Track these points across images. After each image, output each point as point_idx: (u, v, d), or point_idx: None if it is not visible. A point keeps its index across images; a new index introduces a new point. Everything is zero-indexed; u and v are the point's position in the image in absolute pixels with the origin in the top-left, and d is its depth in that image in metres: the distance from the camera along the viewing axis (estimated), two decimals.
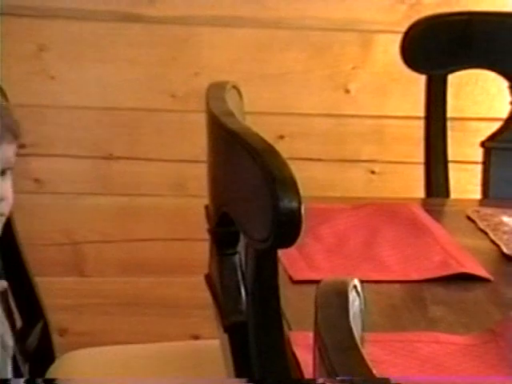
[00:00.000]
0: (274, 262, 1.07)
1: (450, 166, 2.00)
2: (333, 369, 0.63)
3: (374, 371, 0.63)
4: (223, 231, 1.21)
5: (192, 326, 2.24)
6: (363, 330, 0.73)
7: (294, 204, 0.97)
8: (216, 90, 1.32)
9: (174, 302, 2.39)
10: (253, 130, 1.13)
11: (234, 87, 1.36)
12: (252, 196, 1.06)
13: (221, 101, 1.26)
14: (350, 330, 0.63)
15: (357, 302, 0.71)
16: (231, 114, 1.19)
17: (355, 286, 0.71)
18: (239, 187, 1.14)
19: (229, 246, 1.23)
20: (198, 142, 2.18)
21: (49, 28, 2.17)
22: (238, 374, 1.23)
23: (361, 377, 0.61)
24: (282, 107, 2.30)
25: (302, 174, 1.00)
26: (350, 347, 0.63)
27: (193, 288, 2.17)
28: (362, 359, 0.61)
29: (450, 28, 1.94)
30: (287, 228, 0.98)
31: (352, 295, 0.70)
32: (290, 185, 0.99)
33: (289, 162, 1.03)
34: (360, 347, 0.65)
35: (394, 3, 2.18)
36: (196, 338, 2.21)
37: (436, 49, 1.93)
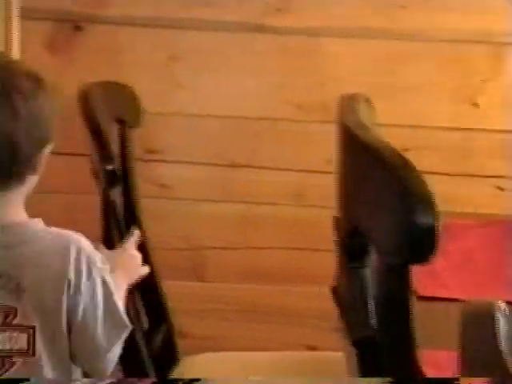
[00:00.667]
0: (406, 277, 1.05)
1: None
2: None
3: None
4: (354, 243, 1.19)
5: (308, 336, 2.24)
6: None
7: (431, 219, 0.94)
8: (349, 102, 1.30)
9: (291, 311, 2.45)
10: (388, 143, 1.11)
11: (367, 100, 1.33)
12: (387, 210, 1.04)
13: (354, 113, 1.24)
14: (500, 352, 0.61)
15: (504, 325, 0.68)
16: (365, 127, 1.17)
17: (503, 308, 0.69)
18: (373, 200, 1.11)
19: (358, 259, 1.20)
20: (321, 153, 2.17)
21: (179, 38, 2.17)
22: None
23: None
24: (409, 120, 2.30)
25: None
26: (504, 367, 0.61)
27: (310, 298, 2.16)
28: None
29: None
30: (423, 244, 0.96)
31: (500, 317, 0.68)
32: (427, 200, 0.97)
33: None
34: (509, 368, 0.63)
35: None
36: (312, 348, 2.19)
37: None
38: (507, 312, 0.71)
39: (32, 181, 1.43)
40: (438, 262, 1.44)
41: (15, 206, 1.44)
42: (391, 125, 2.03)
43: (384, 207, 1.08)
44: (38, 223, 1.44)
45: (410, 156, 1.15)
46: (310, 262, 2.19)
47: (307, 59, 2.27)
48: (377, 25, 2.20)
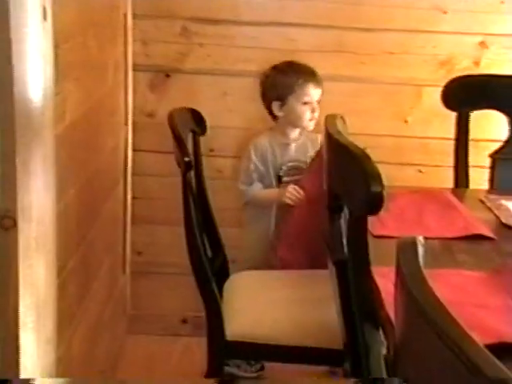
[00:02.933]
0: (365, 223, 1.07)
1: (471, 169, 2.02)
2: (410, 292, 0.63)
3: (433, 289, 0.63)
4: (334, 204, 1.21)
5: None
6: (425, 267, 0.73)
7: (380, 188, 0.97)
8: (331, 119, 1.32)
9: None
10: (354, 143, 1.14)
11: (342, 118, 1.36)
12: (354, 183, 1.07)
13: (334, 125, 1.27)
14: (421, 268, 0.63)
15: (421, 250, 0.71)
16: (341, 134, 1.21)
17: (420, 241, 0.71)
18: (346, 178, 1.15)
19: (337, 213, 1.23)
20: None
21: (228, 81, 2.35)
22: (341, 291, 1.22)
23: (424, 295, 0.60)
24: (365, 130, 2.28)
25: None
26: (421, 278, 0.63)
27: None
28: (428, 285, 0.60)
29: (473, 83, 1.88)
30: (375, 203, 0.99)
31: (420, 246, 0.70)
32: (377, 177, 1.00)
33: None
34: (426, 278, 0.64)
35: None
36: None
37: (465, 95, 1.88)
38: (423, 243, 0.73)
39: None
40: (382, 214, 1.47)
41: None
42: (355, 133, 2.03)
43: (353, 181, 1.11)
44: None
45: (368, 151, 1.18)
46: None
47: None
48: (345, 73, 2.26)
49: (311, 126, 2.16)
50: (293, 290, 1.81)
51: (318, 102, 2.13)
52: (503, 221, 1.56)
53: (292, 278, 1.90)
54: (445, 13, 2.32)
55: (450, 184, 2.00)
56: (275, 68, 2.17)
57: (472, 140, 2.00)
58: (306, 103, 2.10)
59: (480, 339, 0.95)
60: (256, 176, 2.18)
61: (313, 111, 2.11)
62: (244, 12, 2.33)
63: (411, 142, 2.36)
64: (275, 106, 2.13)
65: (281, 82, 2.12)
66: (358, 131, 2.33)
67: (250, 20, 2.32)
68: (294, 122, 2.14)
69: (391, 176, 2.32)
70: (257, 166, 2.17)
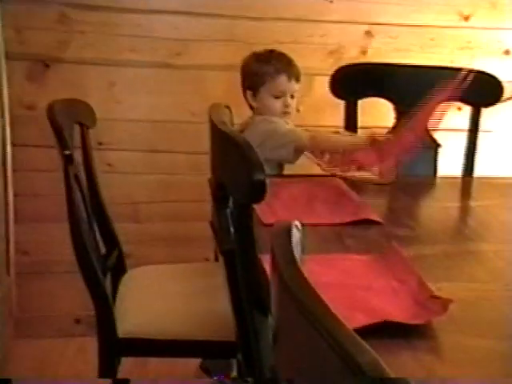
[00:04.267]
0: (250, 211, 1.06)
1: None
2: (281, 275, 0.63)
3: (304, 272, 0.62)
4: (220, 194, 1.20)
5: (205, 252, 2.26)
6: (303, 253, 0.72)
7: (262, 177, 0.96)
8: (215, 108, 1.31)
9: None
10: (238, 132, 1.12)
11: (227, 107, 1.34)
12: (238, 172, 1.05)
13: (218, 114, 1.25)
14: (292, 251, 0.63)
15: (297, 235, 0.70)
16: (224, 123, 1.18)
17: (296, 225, 0.70)
18: (230, 166, 1.13)
19: (223, 203, 1.21)
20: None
21: (116, 71, 2.12)
22: (230, 280, 1.21)
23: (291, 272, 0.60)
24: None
25: None
26: (292, 261, 0.63)
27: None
28: (298, 268, 0.60)
29: (360, 72, 1.92)
30: (258, 191, 0.98)
31: (294, 231, 0.69)
32: (259, 165, 0.98)
33: None
34: (297, 261, 0.64)
35: None
36: (207, 259, 2.21)
37: (351, 84, 1.92)
38: (299, 227, 0.73)
39: None
40: (273, 202, 1.47)
41: None
42: None
43: (236, 170, 1.09)
44: None
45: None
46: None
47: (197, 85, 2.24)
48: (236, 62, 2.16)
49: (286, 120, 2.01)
50: (188, 283, 1.81)
51: (292, 96, 1.98)
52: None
53: (188, 270, 1.90)
54: (331, 2, 2.37)
55: None
56: (253, 55, 2.03)
57: (361, 127, 2.03)
58: (277, 96, 1.97)
59: (366, 319, 0.97)
60: None
61: (286, 106, 1.97)
62: None
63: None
64: (248, 95, 2.00)
65: (254, 71, 1.99)
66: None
67: (134, 7, 2.24)
68: (265, 114, 1.98)
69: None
70: None
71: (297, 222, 0.76)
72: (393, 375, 0.46)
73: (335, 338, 0.50)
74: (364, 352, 0.50)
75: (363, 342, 0.53)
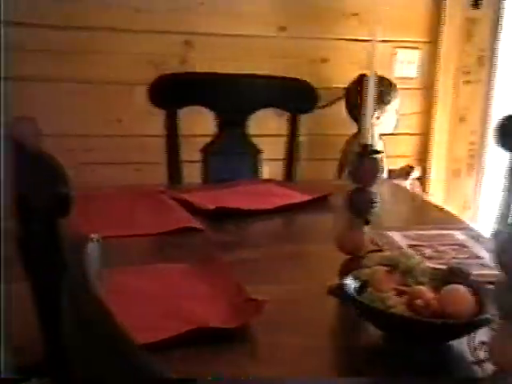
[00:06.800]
0: (57, 226, 1.01)
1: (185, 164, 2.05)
2: (73, 290, 0.60)
3: (101, 286, 0.60)
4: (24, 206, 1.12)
5: None
6: (101, 266, 0.70)
7: (66, 189, 0.92)
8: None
9: None
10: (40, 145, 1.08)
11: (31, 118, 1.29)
12: (42, 186, 1.00)
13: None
14: (84, 265, 0.60)
15: (95, 248, 0.68)
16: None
17: (93, 239, 0.68)
18: (33, 180, 1.06)
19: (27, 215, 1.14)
20: None
21: None
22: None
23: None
24: None
25: None
26: (83, 275, 0.60)
27: None
28: (87, 278, 0.57)
29: (179, 81, 1.93)
30: (63, 205, 0.93)
31: (91, 244, 0.67)
32: (64, 178, 0.94)
33: None
34: (90, 275, 0.61)
35: None
36: None
37: (170, 93, 1.92)
38: (99, 240, 0.70)
39: None
40: (94, 215, 1.42)
41: None
42: (69, 135, 1.92)
43: (40, 184, 1.03)
44: None
45: None
46: None
47: None
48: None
49: None
50: None
51: None
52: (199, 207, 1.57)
53: None
54: (137, 11, 2.35)
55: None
56: None
57: (183, 136, 2.03)
58: None
59: (180, 327, 0.97)
60: None
61: None
62: None
63: (127, 141, 2.36)
64: None
65: None
66: (71, 132, 2.27)
67: None
68: None
69: (109, 176, 2.29)
70: None
71: (95, 235, 0.74)
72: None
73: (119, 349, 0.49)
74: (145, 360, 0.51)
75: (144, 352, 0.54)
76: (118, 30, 2.32)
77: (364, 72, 2.60)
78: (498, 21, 3.10)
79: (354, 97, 2.66)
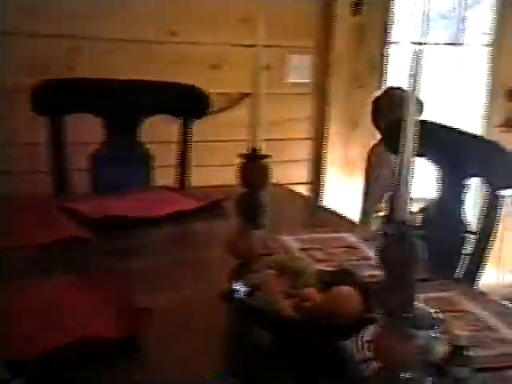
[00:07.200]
0: None
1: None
2: None
3: None
4: None
5: None
6: None
7: None
8: None
9: None
10: None
11: None
12: None
13: None
14: None
15: None
16: None
17: None
18: None
19: None
20: None
21: None
22: None
23: None
24: None
25: None
26: None
27: None
28: None
29: (64, 87, 1.87)
30: None
31: None
32: None
33: None
34: None
35: None
36: None
37: (54, 100, 1.85)
38: None
39: None
40: None
41: None
42: None
43: None
44: None
45: None
46: None
47: None
48: None
49: None
50: None
51: None
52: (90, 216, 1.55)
53: None
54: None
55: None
56: None
57: (71, 143, 1.93)
58: None
59: (63, 339, 0.94)
60: None
61: None
62: None
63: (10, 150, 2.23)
64: None
65: None
66: None
67: None
68: None
69: None
70: None
71: None
72: None
73: None
74: None
75: None
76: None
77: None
78: (386, 26, 3.26)
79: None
